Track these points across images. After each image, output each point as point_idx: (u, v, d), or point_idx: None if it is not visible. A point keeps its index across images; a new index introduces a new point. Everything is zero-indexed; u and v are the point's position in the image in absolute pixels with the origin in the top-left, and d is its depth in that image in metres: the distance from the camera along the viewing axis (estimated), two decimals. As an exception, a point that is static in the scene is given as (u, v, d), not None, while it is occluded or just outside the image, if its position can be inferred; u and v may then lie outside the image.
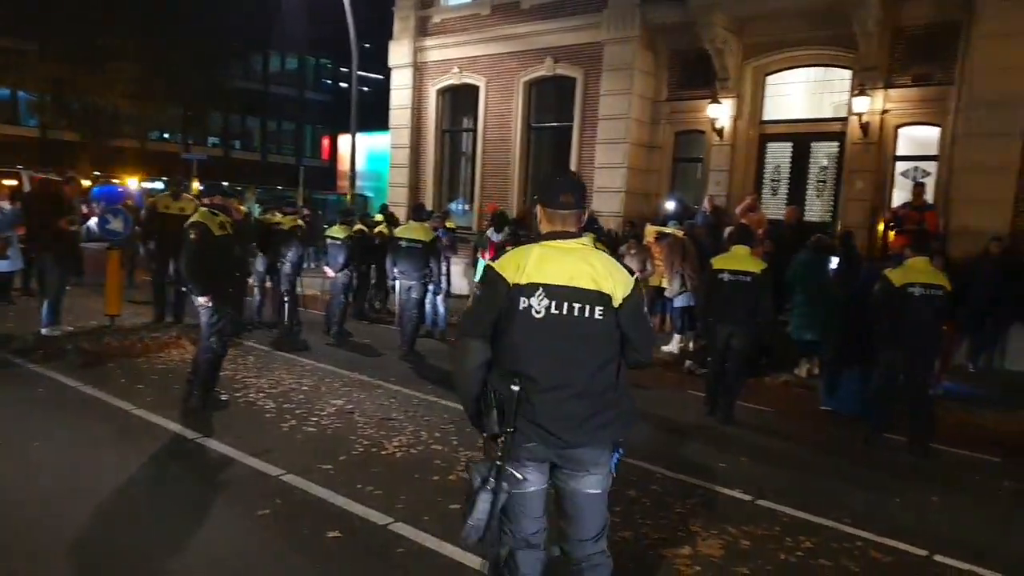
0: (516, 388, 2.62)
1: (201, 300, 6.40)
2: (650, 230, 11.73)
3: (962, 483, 5.91)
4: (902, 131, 11.92)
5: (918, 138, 11.88)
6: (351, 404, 7.04)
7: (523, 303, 2.64)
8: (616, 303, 2.71)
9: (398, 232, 9.52)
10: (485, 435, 2.74)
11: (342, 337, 10.51)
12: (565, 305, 2.65)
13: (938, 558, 4.36)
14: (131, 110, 29.52)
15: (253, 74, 44.97)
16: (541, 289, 2.65)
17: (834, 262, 8.43)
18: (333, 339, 10.30)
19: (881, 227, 11.49)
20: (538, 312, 2.64)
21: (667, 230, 11.18)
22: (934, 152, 11.63)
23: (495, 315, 2.69)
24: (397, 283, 9.63)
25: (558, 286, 2.66)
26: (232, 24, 33.49)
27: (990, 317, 9.61)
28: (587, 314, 2.67)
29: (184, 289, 6.79)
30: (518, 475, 2.71)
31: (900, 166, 12.03)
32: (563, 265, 2.69)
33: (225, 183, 19.87)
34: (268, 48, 44.19)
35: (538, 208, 2.84)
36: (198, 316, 6.59)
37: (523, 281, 2.65)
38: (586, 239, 2.81)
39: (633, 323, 2.79)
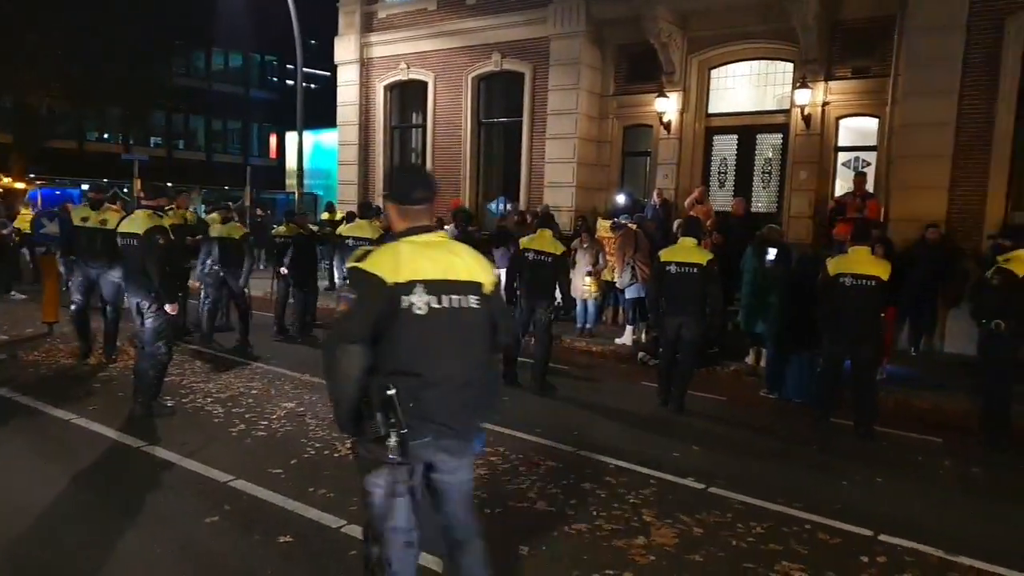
0: (404, 387, 2.59)
1: (168, 308, 6.26)
2: (602, 224, 11.82)
3: (905, 464, 6.08)
4: (843, 122, 12.20)
5: (858, 129, 12.18)
6: (302, 406, 6.91)
7: (404, 302, 2.61)
8: (487, 290, 2.78)
9: (345, 231, 9.38)
10: (360, 440, 2.72)
11: (293, 338, 10.35)
12: (445, 299, 2.66)
13: (882, 537, 4.47)
14: (67, 109, 28.48)
15: (196, 72, 43.88)
16: (420, 285, 2.62)
17: (772, 253, 8.59)
18: (287, 339, 10.17)
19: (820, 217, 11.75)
20: (420, 309, 2.62)
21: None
22: (873, 143, 11.93)
23: (375, 317, 2.62)
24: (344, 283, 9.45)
25: (436, 281, 2.66)
26: (172, 21, 32.61)
27: (928, 302, 9.93)
28: (466, 304, 2.71)
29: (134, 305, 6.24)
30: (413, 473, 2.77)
31: (842, 156, 12.33)
32: (435, 259, 2.70)
33: (169, 184, 19.37)
34: (211, 45, 43.14)
35: (389, 205, 2.87)
36: (135, 326, 6.42)
37: (401, 280, 2.61)
38: (444, 232, 2.91)
39: (500, 308, 2.91)
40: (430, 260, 2.68)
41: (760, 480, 5.42)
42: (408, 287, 2.61)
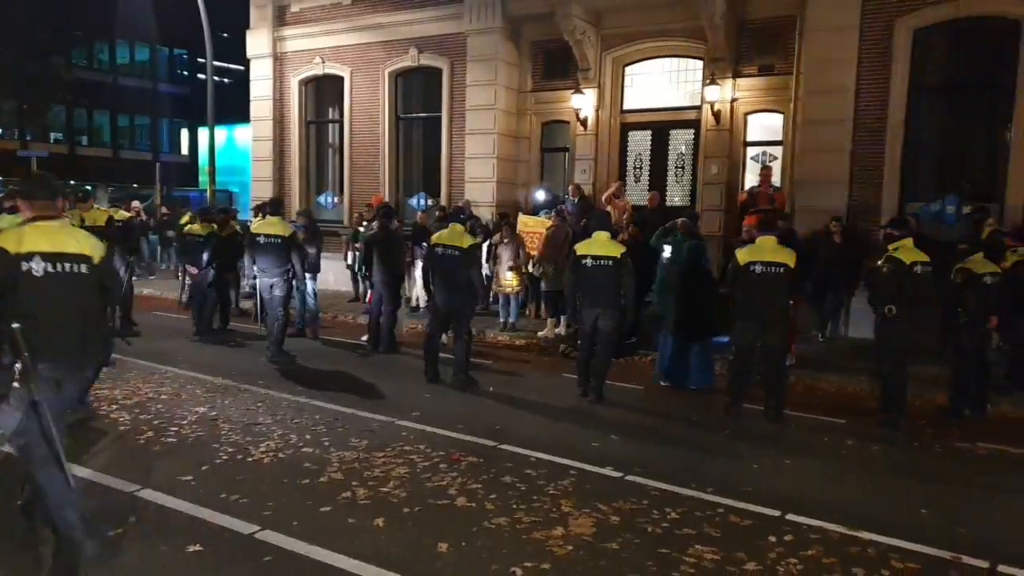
0: (26, 326, 3.43)
1: None
2: (522, 219, 11.88)
3: (812, 446, 6.36)
4: (751, 118, 12.63)
5: (765, 124, 12.63)
6: (215, 411, 6.70)
7: (24, 266, 3.59)
8: (95, 262, 3.83)
9: (255, 228, 9.11)
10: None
11: (207, 340, 10.06)
12: (59, 265, 3.69)
13: (790, 517, 4.67)
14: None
15: (99, 65, 41.88)
16: (37, 256, 3.63)
17: (667, 249, 8.87)
18: (204, 339, 9.89)
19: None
20: (37, 272, 3.62)
21: (540, 219, 11.41)
22: (780, 137, 12.41)
23: (2, 276, 3.57)
24: (257, 282, 9.17)
25: (50, 252, 3.68)
26: (71, 11, 31.00)
27: (832, 290, 10.41)
28: (77, 270, 3.76)
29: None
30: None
31: (751, 151, 12.76)
32: (51, 238, 3.72)
33: (72, 182, 18.43)
34: (114, 37, 41.20)
35: (20, 201, 3.94)
36: None
37: (23, 251, 3.60)
38: (65, 219, 3.96)
39: (109, 276, 4.16)
40: (47, 238, 3.70)
41: (675, 466, 5.57)
42: (28, 256, 3.61)
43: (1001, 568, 4.06)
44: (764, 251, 6.88)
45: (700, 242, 8.57)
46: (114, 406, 6.74)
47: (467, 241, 7.97)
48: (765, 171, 11.51)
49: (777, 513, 4.72)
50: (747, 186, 12.29)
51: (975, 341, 7.13)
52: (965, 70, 11.00)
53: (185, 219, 11.81)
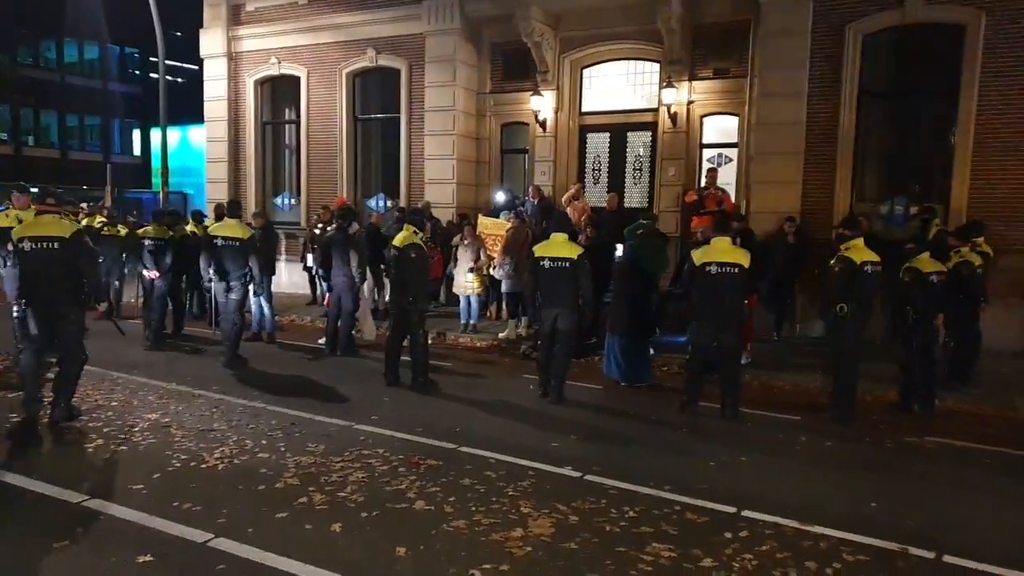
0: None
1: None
2: (482, 221, 11.86)
3: (767, 442, 6.46)
4: (707, 120, 12.79)
5: (721, 127, 12.79)
6: (167, 417, 6.56)
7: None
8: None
9: (213, 230, 8.94)
10: None
11: (160, 345, 9.84)
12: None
13: (745, 513, 4.74)
14: None
15: (46, 63, 40.67)
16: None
17: (620, 249, 8.99)
18: (151, 346, 9.66)
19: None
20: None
21: (500, 221, 11.41)
22: (735, 140, 12.59)
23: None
24: (213, 285, 8.99)
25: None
26: (15, 9, 30.06)
27: (787, 289, 10.61)
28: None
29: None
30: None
31: (707, 153, 12.91)
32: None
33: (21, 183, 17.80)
34: (61, 35, 40.05)
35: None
36: None
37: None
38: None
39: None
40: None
41: (633, 465, 5.61)
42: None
43: (946, 558, 4.18)
44: (719, 252, 6.99)
45: (653, 241, 8.66)
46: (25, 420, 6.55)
47: (417, 241, 7.99)
48: (711, 172, 11.68)
49: (733, 510, 4.79)
50: (700, 185, 12.46)
51: (923, 339, 7.33)
52: (912, 75, 11.31)
53: (88, 220, 11.54)
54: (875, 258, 6.86)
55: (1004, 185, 10.29)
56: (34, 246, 6.05)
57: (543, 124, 13.64)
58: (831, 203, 11.15)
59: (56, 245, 6.07)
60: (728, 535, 4.40)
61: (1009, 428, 7.07)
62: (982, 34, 10.19)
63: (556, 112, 13.58)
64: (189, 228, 11.16)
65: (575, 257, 7.37)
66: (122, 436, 5.99)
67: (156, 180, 20.29)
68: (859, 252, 6.83)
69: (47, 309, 6.15)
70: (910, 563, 4.12)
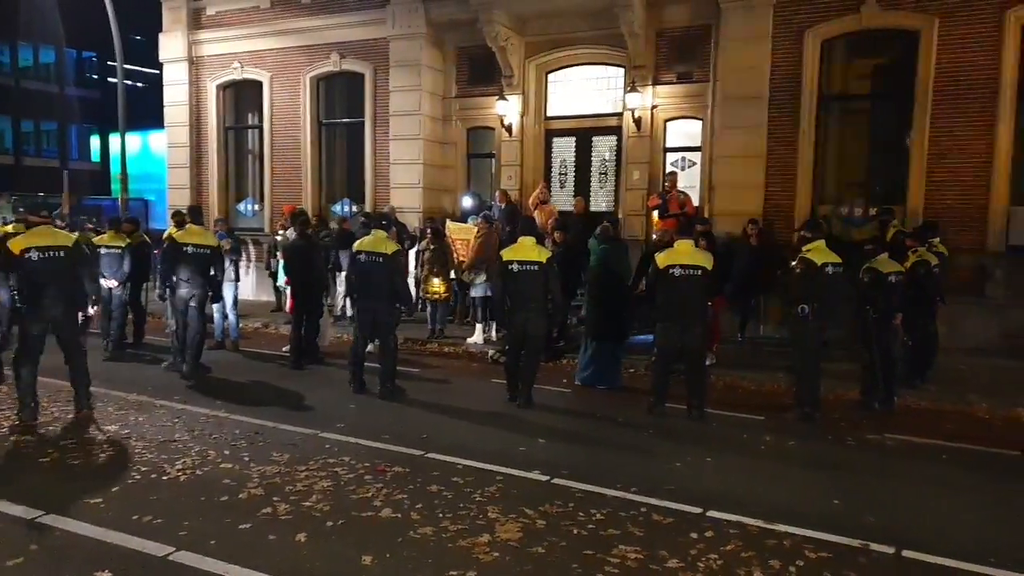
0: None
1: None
2: (451, 226, 11.83)
3: (732, 443, 6.53)
4: (670, 125, 12.91)
5: (684, 131, 12.91)
6: (127, 428, 6.43)
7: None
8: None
9: (180, 237, 8.74)
10: None
11: (121, 354, 9.65)
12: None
13: (710, 513, 4.78)
14: None
15: (0, 67, 39.67)
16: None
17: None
18: (110, 355, 9.47)
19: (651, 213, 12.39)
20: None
21: (468, 225, 11.39)
22: (698, 143, 12.72)
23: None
24: (174, 293, 8.75)
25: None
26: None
27: (751, 291, 10.73)
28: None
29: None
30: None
31: (671, 156, 13.03)
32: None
33: None
34: (15, 38, 39.09)
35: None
36: None
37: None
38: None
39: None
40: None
41: (601, 468, 5.63)
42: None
43: (905, 553, 4.26)
44: (683, 255, 7.06)
45: (616, 246, 8.71)
46: (18, 426, 6.38)
47: (391, 248, 7.88)
48: (671, 176, 11.78)
49: (698, 510, 4.83)
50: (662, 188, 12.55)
51: (882, 337, 7.47)
52: (870, 79, 11.57)
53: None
54: (836, 259, 6.99)
55: (957, 186, 10.56)
56: (41, 255, 6.52)
57: (509, 128, 13.66)
58: (793, 205, 11.34)
59: (62, 254, 6.64)
60: (694, 535, 4.43)
61: (966, 424, 7.24)
62: (935, 39, 10.46)
63: (522, 116, 13.62)
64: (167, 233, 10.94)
65: (544, 261, 7.39)
66: (80, 449, 5.85)
67: (116, 186, 19.86)
68: (820, 254, 6.95)
69: (51, 313, 6.59)
70: (871, 559, 4.20)
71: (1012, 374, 8.90)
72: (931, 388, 8.15)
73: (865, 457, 6.21)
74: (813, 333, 6.99)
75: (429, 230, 11.11)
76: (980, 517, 4.94)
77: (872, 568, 4.09)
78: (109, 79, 41.06)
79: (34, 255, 6.47)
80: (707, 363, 8.00)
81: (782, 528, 4.54)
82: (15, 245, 6.49)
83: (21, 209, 11.21)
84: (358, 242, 8.00)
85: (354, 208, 14.77)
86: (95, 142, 43.70)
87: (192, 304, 8.50)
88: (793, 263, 7.12)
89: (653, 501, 4.96)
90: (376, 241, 7.84)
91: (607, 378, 8.33)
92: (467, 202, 13.83)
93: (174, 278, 8.55)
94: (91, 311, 7.12)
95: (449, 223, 12.08)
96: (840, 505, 5.02)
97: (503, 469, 5.54)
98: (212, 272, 8.69)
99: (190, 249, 8.54)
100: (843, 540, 4.39)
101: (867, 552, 4.26)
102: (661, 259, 7.11)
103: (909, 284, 7.67)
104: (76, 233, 8.06)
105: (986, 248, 10.43)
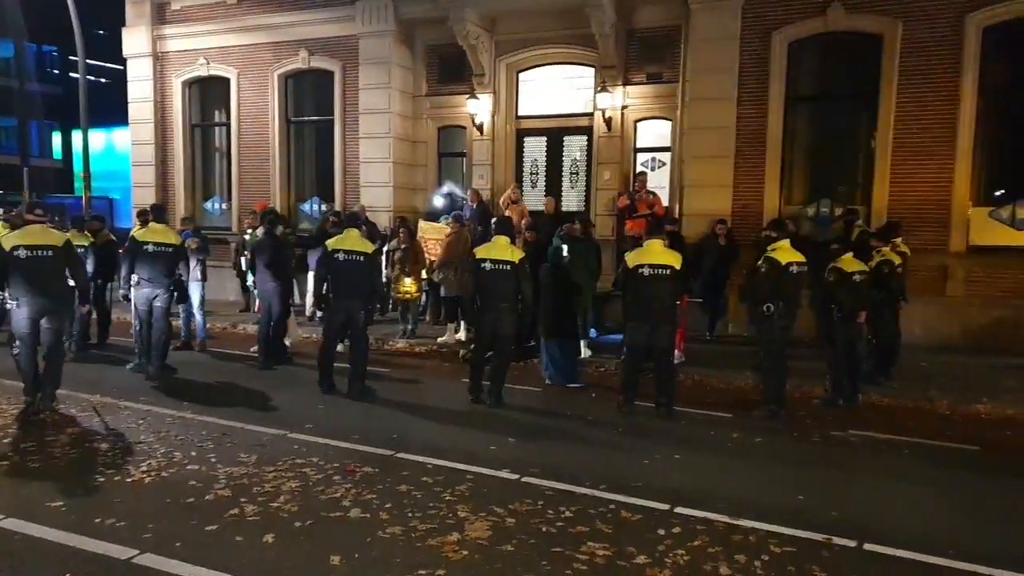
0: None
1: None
2: (422, 226, 11.80)
3: (700, 439, 6.59)
4: (641, 125, 13.00)
5: (654, 131, 13.01)
6: (91, 430, 6.32)
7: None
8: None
9: (142, 236, 8.60)
10: None
11: (84, 355, 9.46)
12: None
13: (678, 510, 4.83)
14: None
15: (-47, 62, 38.66)
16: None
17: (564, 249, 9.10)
18: (73, 356, 9.27)
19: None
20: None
21: (440, 225, 11.37)
22: (668, 144, 12.83)
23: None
24: (134, 293, 8.61)
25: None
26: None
27: (719, 290, 10.86)
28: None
29: None
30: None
31: (641, 157, 13.12)
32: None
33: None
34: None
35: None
36: None
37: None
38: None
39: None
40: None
41: (570, 465, 5.65)
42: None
43: (867, 546, 4.34)
44: (652, 254, 7.12)
45: (586, 245, 8.76)
46: (-25, 430, 6.25)
47: (369, 247, 7.91)
48: (640, 177, 11.86)
49: (666, 506, 4.87)
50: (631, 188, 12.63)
51: (847, 336, 7.60)
52: (836, 81, 11.76)
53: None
54: (800, 259, 7.09)
55: (919, 187, 10.77)
56: (29, 253, 6.68)
57: (480, 127, 13.65)
58: (761, 205, 11.47)
59: (50, 252, 6.81)
60: (661, 531, 4.47)
61: (927, 419, 7.40)
62: (898, 43, 10.66)
63: (493, 115, 13.61)
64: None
65: (516, 260, 7.41)
66: (40, 453, 5.73)
67: (79, 184, 19.49)
68: (785, 253, 7.05)
69: (40, 310, 6.76)
70: (833, 552, 4.27)
71: (972, 371, 9.11)
72: (894, 385, 8.30)
73: (829, 453, 6.32)
74: (778, 331, 7.10)
75: (402, 230, 11.05)
76: (940, 510, 5.06)
77: (835, 561, 4.16)
78: (71, 74, 40.24)
79: (23, 253, 6.65)
80: (676, 361, 8.08)
81: (748, 523, 4.60)
82: (6, 242, 6.70)
83: (14, 212, 10.94)
84: (334, 240, 7.88)
85: (324, 207, 14.64)
86: (57, 139, 42.83)
87: (156, 304, 8.37)
88: (758, 262, 7.21)
89: (622, 498, 4.99)
90: (355, 240, 7.80)
91: (566, 375, 8.38)
92: (438, 201, 13.80)
93: (135, 277, 8.43)
94: (82, 309, 7.67)
95: (422, 222, 12.05)
96: (805, 500, 5.10)
97: (473, 468, 5.54)
98: (178, 271, 8.56)
99: (151, 247, 8.40)
100: (807, 534, 4.47)
101: (830, 546, 4.33)
102: (631, 259, 7.16)
103: (873, 283, 7.81)
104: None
105: (948, 248, 10.65)
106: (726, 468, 5.86)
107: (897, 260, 8.39)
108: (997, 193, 10.77)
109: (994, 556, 4.23)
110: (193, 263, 9.61)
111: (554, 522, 4.58)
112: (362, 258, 7.74)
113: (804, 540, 4.40)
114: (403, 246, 10.92)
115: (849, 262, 7.59)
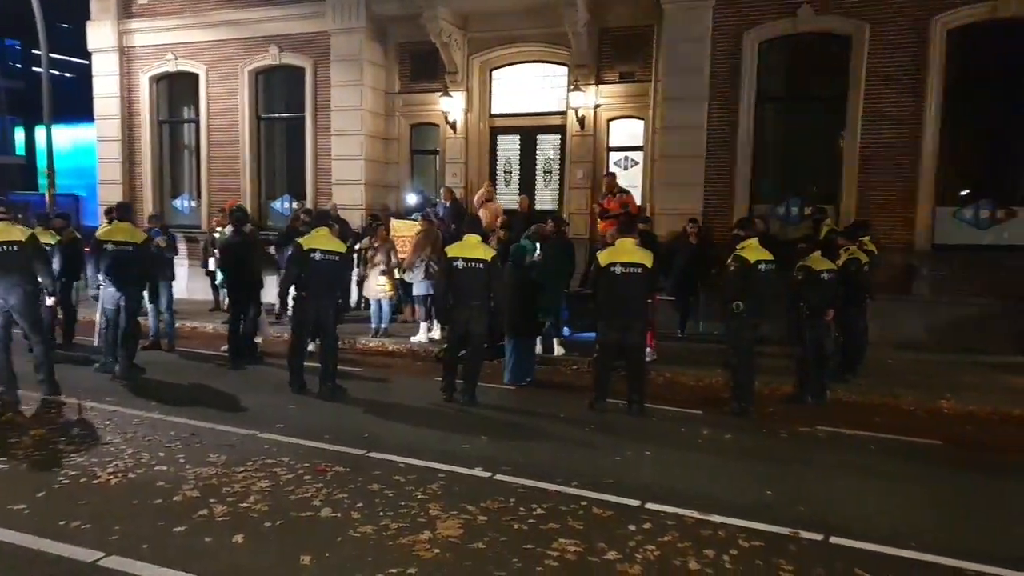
0: None
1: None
2: (395, 224, 11.75)
3: (671, 436, 6.65)
4: (614, 124, 13.07)
5: (627, 130, 13.09)
6: (56, 432, 6.21)
7: None
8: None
9: (102, 234, 8.44)
10: None
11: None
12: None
13: (649, 505, 4.86)
14: None
15: (-88, 55, 37.68)
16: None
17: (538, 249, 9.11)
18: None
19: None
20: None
21: (412, 223, 11.32)
22: (641, 143, 12.91)
23: None
24: (101, 292, 8.45)
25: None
26: None
27: (690, 288, 10.95)
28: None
29: None
30: None
31: (614, 156, 13.19)
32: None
33: None
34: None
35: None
36: None
37: None
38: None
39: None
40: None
41: (542, 463, 5.68)
42: None
43: (833, 539, 4.41)
44: (623, 253, 7.16)
45: (561, 243, 8.77)
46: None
47: (342, 246, 7.90)
48: (609, 177, 11.89)
49: (637, 503, 4.91)
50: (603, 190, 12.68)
51: (815, 333, 7.70)
52: (805, 81, 11.91)
53: None
54: (768, 257, 7.18)
55: (886, 187, 10.96)
56: None
57: (453, 125, 13.63)
58: (731, 204, 11.61)
59: (16, 248, 7.00)
60: (632, 528, 4.51)
61: (892, 415, 7.53)
62: (866, 44, 10.84)
63: (466, 113, 13.60)
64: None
65: (488, 259, 7.41)
66: (4, 453, 5.61)
67: (43, 181, 19.10)
68: (753, 251, 7.13)
69: (9, 303, 7.07)
70: (800, 546, 4.33)
71: (937, 368, 9.30)
72: (861, 382, 8.44)
73: (797, 449, 6.41)
74: (747, 328, 7.18)
75: (381, 228, 10.98)
76: (904, 504, 5.15)
77: (802, 554, 4.22)
78: (34, 68, 39.38)
79: None
80: (647, 359, 8.13)
81: (717, 519, 4.66)
82: None
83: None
84: (308, 239, 7.77)
85: (295, 205, 14.51)
86: (20, 135, 41.91)
87: (121, 304, 8.23)
88: (727, 261, 7.28)
89: (593, 495, 5.02)
90: (328, 239, 7.74)
91: (523, 372, 8.38)
92: (412, 199, 13.75)
93: (100, 277, 8.29)
94: (48, 302, 7.76)
95: (394, 221, 12.00)
96: (772, 495, 5.17)
97: (445, 466, 5.53)
98: (145, 270, 8.42)
99: (110, 247, 8.24)
100: (775, 529, 4.53)
101: (797, 540, 4.40)
102: (603, 257, 7.20)
103: (840, 281, 7.92)
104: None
105: (914, 247, 10.86)
106: (696, 464, 5.91)
107: (864, 259, 8.52)
108: (962, 193, 11.00)
109: (956, 548, 4.32)
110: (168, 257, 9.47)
111: (526, 519, 4.59)
112: (337, 258, 7.72)
113: (772, 534, 4.46)
114: (376, 244, 10.86)
115: (817, 260, 7.69)
